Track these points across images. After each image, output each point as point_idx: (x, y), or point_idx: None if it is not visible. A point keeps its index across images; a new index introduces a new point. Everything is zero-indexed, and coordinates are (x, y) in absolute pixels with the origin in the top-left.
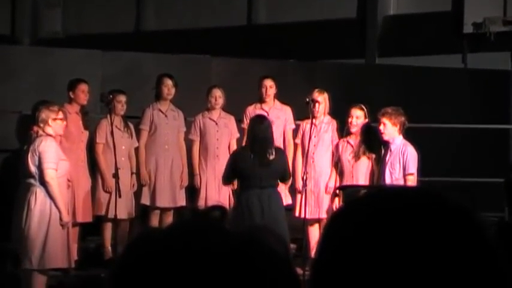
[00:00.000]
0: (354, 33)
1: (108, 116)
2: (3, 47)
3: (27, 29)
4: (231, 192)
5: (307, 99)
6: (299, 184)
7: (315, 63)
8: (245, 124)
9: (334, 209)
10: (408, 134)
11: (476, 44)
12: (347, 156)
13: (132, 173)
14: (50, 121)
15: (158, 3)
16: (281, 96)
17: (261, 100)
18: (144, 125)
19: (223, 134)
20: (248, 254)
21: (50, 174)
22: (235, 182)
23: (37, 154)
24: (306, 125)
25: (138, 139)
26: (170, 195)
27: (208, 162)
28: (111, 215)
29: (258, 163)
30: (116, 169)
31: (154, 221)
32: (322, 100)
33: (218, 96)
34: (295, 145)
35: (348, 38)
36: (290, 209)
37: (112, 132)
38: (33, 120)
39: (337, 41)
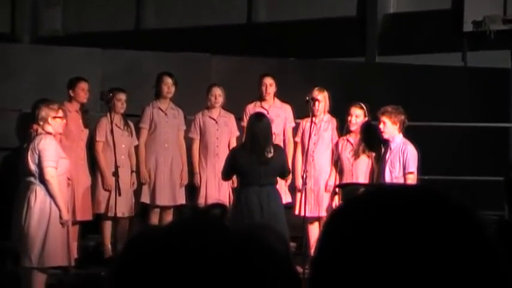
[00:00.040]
0: (354, 32)
1: (108, 114)
2: (3, 46)
3: (27, 27)
4: (231, 191)
5: (307, 98)
6: (299, 182)
7: (315, 62)
8: (245, 122)
9: (334, 207)
10: (408, 133)
11: (476, 42)
12: (347, 154)
13: (132, 171)
14: (49, 119)
15: (158, 2)
16: (281, 95)
17: (261, 98)
18: (144, 123)
19: (223, 132)
20: (248, 252)
21: (50, 173)
22: (236, 181)
23: (37, 152)
24: (305, 123)
25: (138, 137)
26: (170, 194)
27: (208, 161)
28: (111, 213)
29: (256, 161)
30: (116, 167)
31: (154, 220)
32: (322, 98)
33: (218, 94)
34: (295, 143)
35: (348, 36)
36: (290, 207)
37: (112, 131)
38: (33, 119)
39: (337, 39)
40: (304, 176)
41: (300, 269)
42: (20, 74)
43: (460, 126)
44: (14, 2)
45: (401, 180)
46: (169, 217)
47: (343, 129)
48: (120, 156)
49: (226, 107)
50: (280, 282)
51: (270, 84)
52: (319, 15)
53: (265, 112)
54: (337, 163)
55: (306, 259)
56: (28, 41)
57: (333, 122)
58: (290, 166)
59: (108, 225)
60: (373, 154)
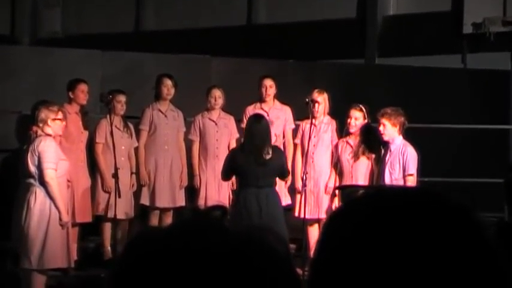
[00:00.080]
0: (353, 33)
1: (108, 116)
2: (2, 47)
3: (27, 29)
4: (230, 192)
5: (307, 100)
6: (298, 184)
7: (314, 63)
8: (245, 124)
9: (334, 209)
10: (408, 135)
11: (476, 44)
12: (346, 156)
13: (131, 173)
14: (49, 121)
15: (158, 3)
16: (281, 96)
17: (260, 100)
18: (144, 125)
19: (223, 134)
20: (248, 253)
21: (50, 174)
22: (235, 182)
23: (36, 154)
24: (305, 125)
25: (138, 139)
26: (170, 196)
27: (208, 163)
28: (110, 215)
29: (254, 162)
30: (116, 169)
31: (154, 221)
32: (321, 100)
33: (218, 96)
34: (295, 145)
35: (348, 38)
36: (289, 209)
37: (112, 132)
38: (33, 120)
39: (336, 41)
40: (304, 177)
41: (299, 271)
42: (19, 75)
43: (459, 128)
44: (14, 3)
45: (401, 182)
46: (169, 219)
47: (343, 131)
48: (119, 158)
49: (226, 108)
50: (280, 284)
51: (270, 86)
52: (319, 16)
53: (265, 114)
54: (336, 165)
55: (305, 261)
56: (28, 42)
57: (333, 124)
58: (290, 168)
59: (107, 227)
60: (373, 156)
